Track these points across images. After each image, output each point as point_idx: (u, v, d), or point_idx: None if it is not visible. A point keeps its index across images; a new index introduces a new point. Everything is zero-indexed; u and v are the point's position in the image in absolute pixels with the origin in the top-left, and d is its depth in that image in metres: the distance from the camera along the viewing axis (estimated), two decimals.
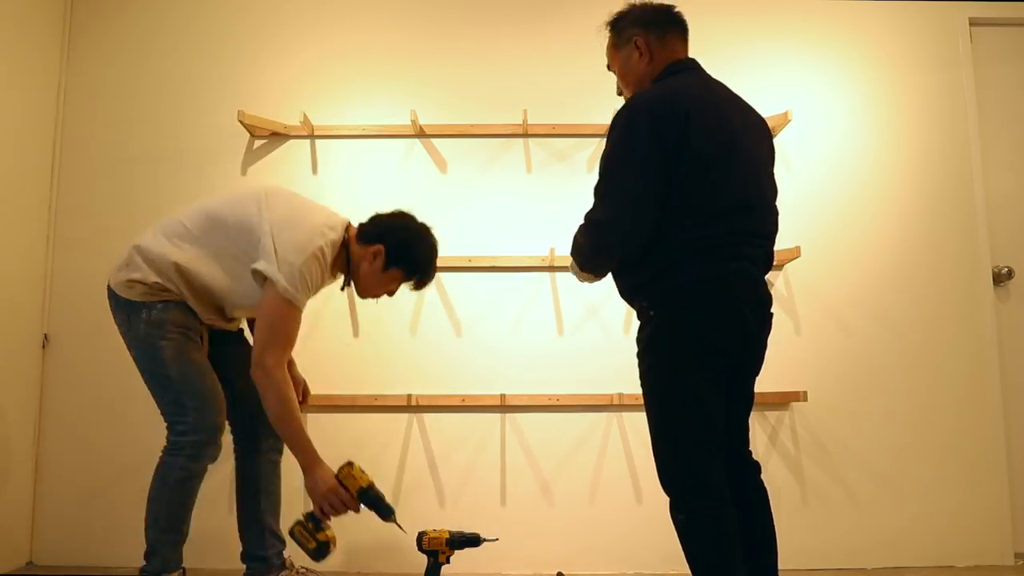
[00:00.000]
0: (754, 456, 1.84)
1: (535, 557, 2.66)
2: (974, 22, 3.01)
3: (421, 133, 2.86)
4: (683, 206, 1.58)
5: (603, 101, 2.90)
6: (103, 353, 2.77)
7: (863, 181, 2.91)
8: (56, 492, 2.71)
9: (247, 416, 2.12)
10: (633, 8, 1.81)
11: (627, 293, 1.73)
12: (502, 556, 2.64)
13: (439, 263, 2.76)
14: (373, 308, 2.79)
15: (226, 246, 1.94)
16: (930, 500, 2.73)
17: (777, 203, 1.76)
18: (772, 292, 2.83)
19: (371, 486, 1.97)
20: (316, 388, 2.73)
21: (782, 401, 2.73)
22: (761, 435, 2.73)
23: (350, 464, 1.99)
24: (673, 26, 1.78)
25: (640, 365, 1.67)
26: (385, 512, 1.98)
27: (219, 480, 2.70)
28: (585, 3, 3.00)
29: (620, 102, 1.79)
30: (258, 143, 2.89)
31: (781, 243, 2.81)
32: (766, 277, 1.76)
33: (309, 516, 1.94)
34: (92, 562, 2.66)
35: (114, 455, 2.72)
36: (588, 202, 2.88)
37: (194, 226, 1.98)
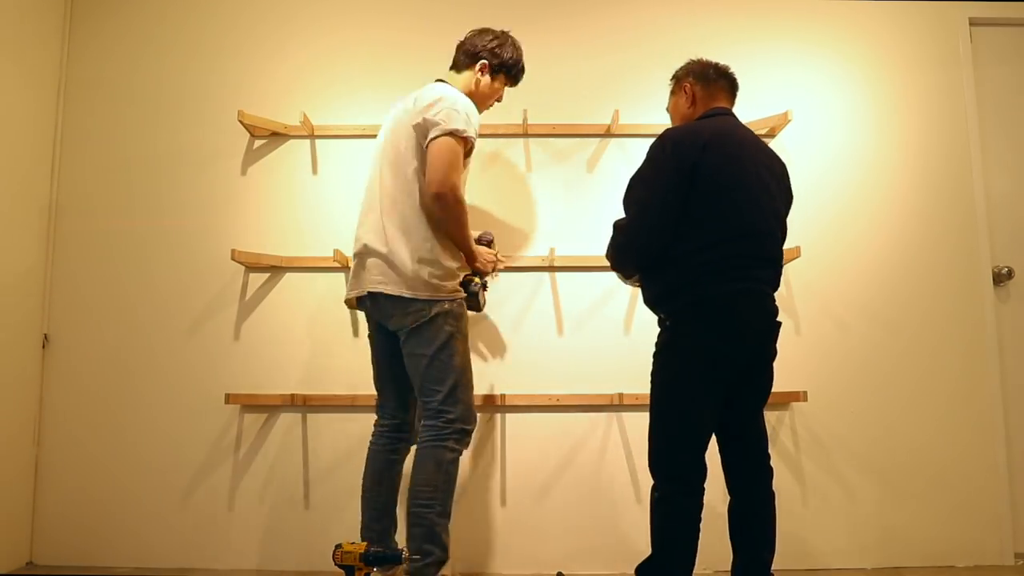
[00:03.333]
0: (771, 457, 2.04)
1: (535, 557, 2.66)
2: (974, 22, 3.02)
3: None
4: (697, 230, 1.85)
5: (603, 102, 2.91)
6: (103, 353, 2.77)
7: (863, 181, 2.91)
8: (56, 492, 2.72)
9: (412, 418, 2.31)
10: (692, 61, 2.14)
11: (650, 303, 2.01)
12: (502, 556, 2.64)
13: None
14: None
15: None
16: (930, 500, 2.74)
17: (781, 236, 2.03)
18: None
19: (368, 547, 2.04)
20: (316, 388, 2.74)
21: (782, 401, 2.73)
22: None
23: (339, 545, 2.05)
24: (721, 79, 2.09)
25: (652, 365, 1.95)
26: (394, 558, 2.05)
27: (219, 480, 2.71)
28: (585, 3, 3.00)
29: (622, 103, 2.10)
30: (258, 143, 2.89)
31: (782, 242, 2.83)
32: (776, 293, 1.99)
33: (475, 272, 2.28)
34: (92, 562, 2.66)
35: (114, 455, 2.72)
36: (588, 202, 2.90)
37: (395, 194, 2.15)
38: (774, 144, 2.92)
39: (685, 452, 1.87)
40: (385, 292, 2.08)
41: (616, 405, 2.71)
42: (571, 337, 2.79)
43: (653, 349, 1.98)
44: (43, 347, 2.78)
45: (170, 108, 2.91)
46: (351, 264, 2.23)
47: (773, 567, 1.99)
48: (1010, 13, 3.03)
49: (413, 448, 2.19)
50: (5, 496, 2.59)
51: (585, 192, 2.88)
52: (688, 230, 1.85)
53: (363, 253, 2.16)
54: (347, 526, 2.66)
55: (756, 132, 2.88)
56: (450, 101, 2.11)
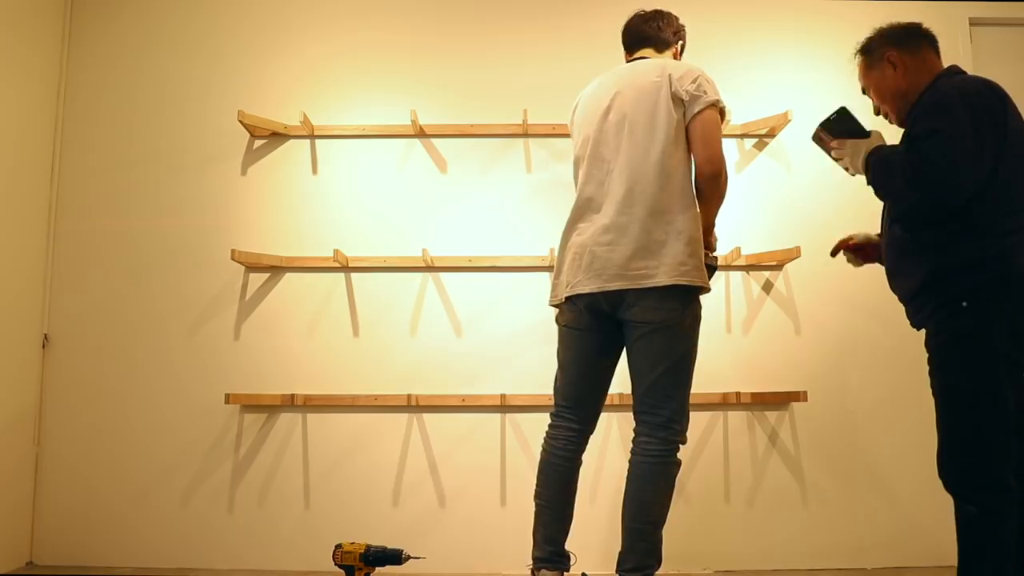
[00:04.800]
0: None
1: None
2: (974, 22, 3.01)
3: (421, 133, 2.86)
4: (1004, 193, 1.61)
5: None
6: (103, 353, 2.77)
7: (863, 181, 2.89)
8: (56, 492, 2.72)
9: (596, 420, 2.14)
10: (878, 30, 1.91)
11: (933, 278, 1.68)
12: (502, 556, 2.64)
13: (439, 263, 2.78)
14: (373, 308, 2.80)
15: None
16: (930, 500, 2.73)
17: None
18: (772, 292, 2.85)
19: (367, 548, 2.01)
20: (316, 388, 2.74)
21: (782, 401, 2.73)
22: (761, 435, 2.73)
23: (339, 545, 2.02)
24: (923, 39, 1.86)
25: (942, 356, 1.68)
26: (393, 558, 2.01)
27: (219, 480, 2.71)
28: (585, 3, 3.00)
29: None
30: (258, 143, 2.89)
31: (781, 243, 2.84)
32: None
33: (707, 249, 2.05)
34: (92, 562, 2.66)
35: (114, 455, 2.72)
36: None
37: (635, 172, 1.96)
38: (774, 144, 2.92)
39: (1006, 456, 1.60)
40: (644, 287, 1.88)
41: (616, 405, 2.71)
42: None
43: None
44: (43, 347, 2.78)
45: (170, 108, 2.91)
46: (566, 259, 2.04)
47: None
48: (1010, 13, 3.03)
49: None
50: (5, 496, 2.59)
51: None
52: (991, 193, 1.60)
53: (601, 244, 1.95)
54: (347, 526, 2.66)
55: (756, 132, 2.91)
56: (700, 72, 1.99)
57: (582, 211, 2.05)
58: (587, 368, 2.04)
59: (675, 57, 2.19)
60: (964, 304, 1.62)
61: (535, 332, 2.79)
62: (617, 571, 1.93)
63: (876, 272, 2.88)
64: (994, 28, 3.04)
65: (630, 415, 2.75)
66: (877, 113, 1.96)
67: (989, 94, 1.66)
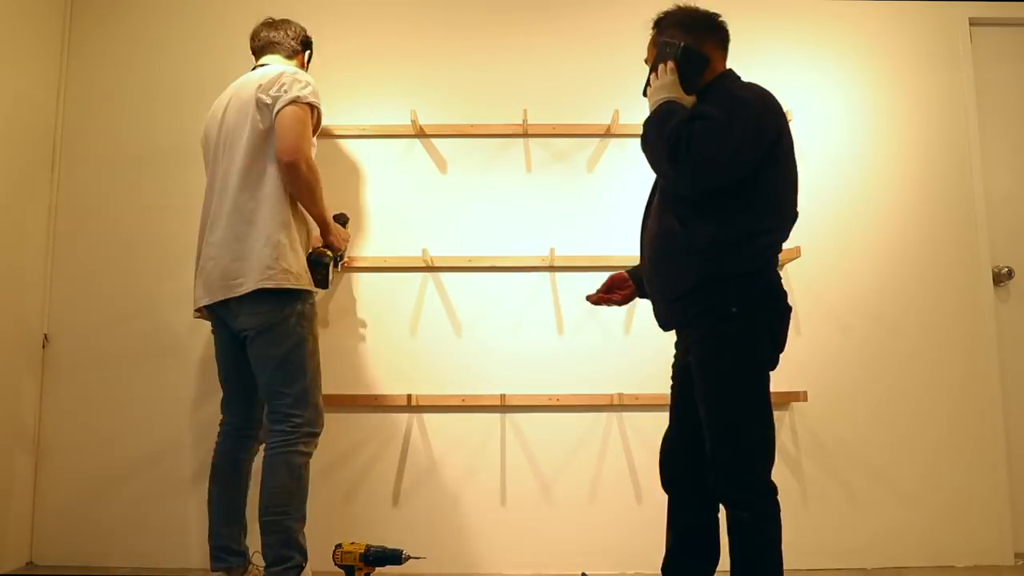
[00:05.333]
0: None
1: (535, 557, 2.66)
2: (974, 22, 3.01)
3: (421, 133, 2.86)
4: (770, 207, 1.69)
5: (603, 102, 2.91)
6: (103, 353, 2.77)
7: (863, 181, 2.91)
8: (56, 492, 2.71)
9: (260, 415, 2.25)
10: (680, 9, 1.89)
11: (706, 282, 1.68)
12: (502, 556, 2.64)
13: (439, 263, 2.78)
14: (373, 308, 2.80)
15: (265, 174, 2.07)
16: (930, 500, 2.73)
17: None
18: None
19: (367, 548, 2.04)
20: None
21: (782, 401, 2.73)
22: None
23: (339, 545, 2.06)
24: (713, 32, 1.86)
25: (711, 361, 1.69)
26: (394, 558, 2.03)
27: None
28: (586, 4, 3.00)
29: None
30: None
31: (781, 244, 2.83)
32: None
33: (326, 247, 2.21)
34: (92, 562, 2.66)
35: (114, 455, 2.72)
36: (588, 202, 2.90)
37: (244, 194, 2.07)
38: None
39: (771, 459, 1.66)
40: (235, 296, 2.02)
41: (616, 405, 2.71)
42: (571, 337, 2.78)
43: (670, 348, 1.89)
44: (43, 347, 2.78)
45: (170, 108, 2.91)
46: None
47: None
48: (1010, 13, 3.03)
49: (262, 448, 2.15)
50: (5, 496, 2.59)
51: (585, 192, 2.88)
52: (762, 204, 1.67)
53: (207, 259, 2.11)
54: (347, 526, 2.66)
55: None
56: (291, 73, 2.12)
57: (203, 228, 2.17)
58: (231, 369, 2.20)
59: (301, 65, 2.34)
60: (734, 310, 1.65)
61: (535, 332, 2.79)
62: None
63: (876, 273, 2.88)
64: (994, 28, 3.04)
65: (629, 415, 2.77)
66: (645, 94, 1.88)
67: (769, 104, 1.70)
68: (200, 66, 2.93)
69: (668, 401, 2.71)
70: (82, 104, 2.92)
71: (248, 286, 1.98)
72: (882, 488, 2.73)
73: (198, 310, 2.22)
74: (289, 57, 2.32)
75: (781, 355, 1.76)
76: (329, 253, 2.21)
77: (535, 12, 2.98)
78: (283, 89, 2.05)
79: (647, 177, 2.89)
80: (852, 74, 2.97)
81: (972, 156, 2.92)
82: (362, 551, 2.00)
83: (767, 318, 1.68)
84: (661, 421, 2.73)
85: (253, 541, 2.16)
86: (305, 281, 2.05)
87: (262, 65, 2.25)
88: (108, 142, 2.89)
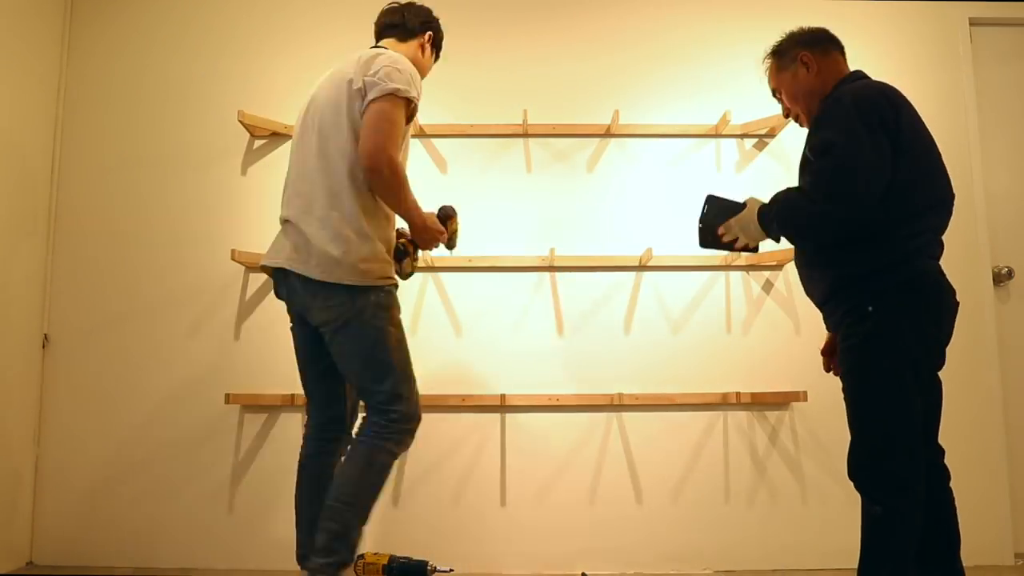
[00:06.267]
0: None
1: (535, 557, 2.66)
2: (974, 22, 3.01)
3: (421, 133, 2.86)
4: (902, 198, 1.64)
5: (603, 102, 2.91)
6: (103, 353, 2.77)
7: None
8: (56, 492, 2.71)
9: (345, 410, 2.09)
10: (791, 33, 1.97)
11: (839, 285, 1.71)
12: (502, 556, 2.64)
13: (440, 263, 2.78)
14: None
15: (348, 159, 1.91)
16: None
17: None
18: (772, 292, 2.85)
19: (391, 559, 1.97)
20: None
21: (782, 401, 2.73)
22: (761, 435, 2.73)
23: (362, 556, 1.98)
24: (833, 44, 1.91)
25: (851, 359, 1.70)
26: (419, 570, 1.98)
27: (219, 480, 2.71)
28: (585, 3, 3.00)
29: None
30: (258, 143, 2.89)
31: (781, 243, 2.83)
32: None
33: (410, 240, 2.07)
34: (92, 562, 2.66)
35: (114, 455, 2.72)
36: (588, 202, 2.90)
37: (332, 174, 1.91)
38: (774, 144, 2.92)
39: (910, 458, 1.65)
40: (298, 272, 1.86)
41: (616, 405, 2.71)
42: (571, 337, 2.78)
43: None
44: (43, 347, 2.78)
45: (170, 108, 2.91)
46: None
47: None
48: (1010, 13, 3.03)
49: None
50: (5, 496, 2.59)
51: (585, 192, 2.88)
52: (889, 199, 1.63)
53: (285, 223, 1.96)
54: None
55: (756, 132, 2.91)
56: (390, 58, 1.92)
57: (285, 191, 2.05)
58: (307, 363, 2.05)
59: (419, 48, 2.13)
60: (870, 309, 1.65)
61: (535, 332, 2.79)
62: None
63: None
64: (994, 28, 3.04)
65: (629, 415, 2.77)
66: (787, 116, 1.97)
67: (880, 100, 1.67)
68: (200, 66, 2.93)
69: (668, 401, 2.73)
70: (82, 105, 2.92)
71: (314, 273, 1.85)
72: None
73: (263, 268, 2.04)
74: (403, 39, 2.12)
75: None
76: (410, 248, 2.10)
77: (535, 12, 2.98)
78: (378, 76, 1.87)
79: (647, 177, 2.90)
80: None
81: (972, 156, 2.92)
82: (385, 562, 1.92)
83: (910, 313, 1.65)
84: (661, 421, 2.75)
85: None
86: (376, 275, 1.89)
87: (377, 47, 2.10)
88: (108, 142, 2.89)
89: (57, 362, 2.78)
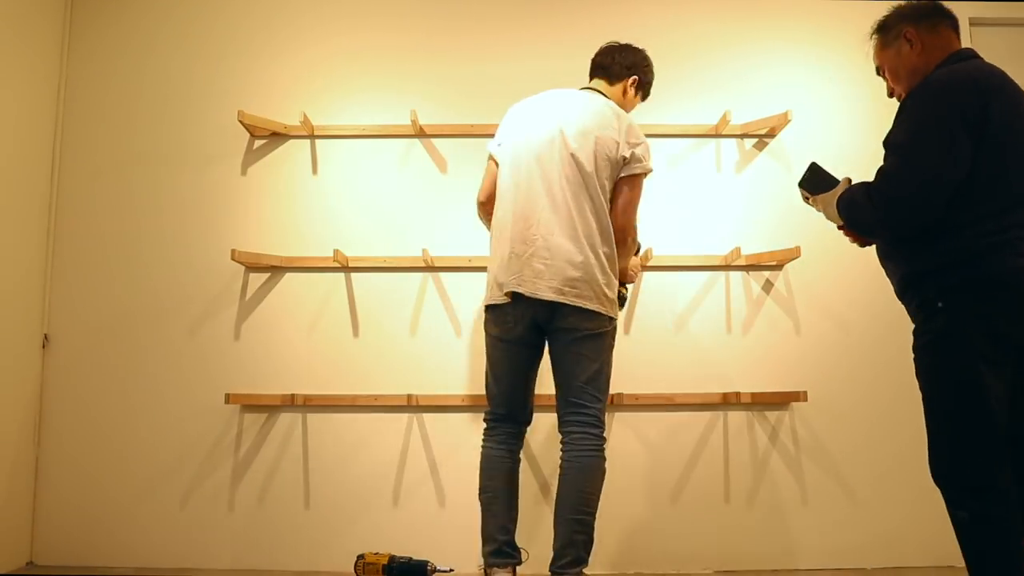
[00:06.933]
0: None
1: (535, 557, 2.65)
2: (974, 22, 3.01)
3: (421, 133, 2.86)
4: (982, 192, 1.58)
5: None
6: (103, 353, 2.77)
7: (863, 181, 2.90)
8: (56, 492, 2.71)
9: (531, 416, 2.28)
10: (896, 8, 1.83)
11: (910, 280, 1.69)
12: None
13: (439, 263, 2.78)
14: (373, 308, 2.80)
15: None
16: (930, 500, 2.69)
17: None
18: (772, 292, 2.85)
19: (391, 559, 2.02)
20: (316, 388, 2.74)
21: (782, 401, 2.73)
22: (761, 435, 2.73)
23: (361, 556, 2.04)
24: (943, 17, 1.78)
25: (922, 358, 1.68)
26: (419, 570, 2.03)
27: (219, 480, 2.71)
28: (586, 3, 3.00)
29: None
30: (258, 143, 2.89)
31: (781, 243, 2.84)
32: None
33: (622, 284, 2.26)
34: (92, 562, 2.66)
35: (114, 455, 2.72)
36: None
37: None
38: (774, 144, 2.92)
39: (986, 460, 1.56)
40: (575, 304, 1.99)
41: (616, 405, 2.71)
42: None
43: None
44: (43, 347, 2.78)
45: (170, 108, 2.91)
46: (508, 255, 2.06)
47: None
48: (1010, 13, 3.03)
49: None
50: (5, 496, 2.59)
51: None
52: (970, 193, 1.57)
53: (544, 252, 2.01)
54: (347, 526, 2.66)
55: (756, 132, 2.90)
56: (642, 136, 2.14)
57: (516, 216, 2.14)
58: (518, 364, 2.18)
59: (623, 92, 2.29)
60: (940, 305, 1.61)
61: None
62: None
63: (876, 272, 2.87)
64: (994, 28, 3.04)
65: (629, 415, 2.77)
66: (891, 95, 1.89)
67: (966, 88, 1.59)
68: (200, 66, 2.93)
69: (668, 401, 2.73)
70: (82, 104, 2.92)
71: (589, 304, 2.00)
72: (882, 488, 2.73)
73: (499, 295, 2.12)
74: (611, 82, 2.28)
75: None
76: (624, 290, 2.30)
77: (536, 11, 2.98)
78: (642, 152, 2.10)
79: (647, 177, 2.89)
80: (852, 74, 2.97)
81: None
82: (385, 562, 1.94)
83: (982, 310, 1.57)
84: (661, 421, 2.75)
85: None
86: (617, 309, 2.12)
87: (590, 88, 2.25)
88: (108, 142, 2.89)
89: (57, 362, 2.78)
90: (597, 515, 2.02)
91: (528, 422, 2.21)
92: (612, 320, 2.08)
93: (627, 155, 2.06)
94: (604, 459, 2.06)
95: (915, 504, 2.71)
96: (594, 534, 2.01)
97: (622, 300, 2.23)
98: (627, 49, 2.31)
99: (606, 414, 2.10)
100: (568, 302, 1.98)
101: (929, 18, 1.76)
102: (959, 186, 1.57)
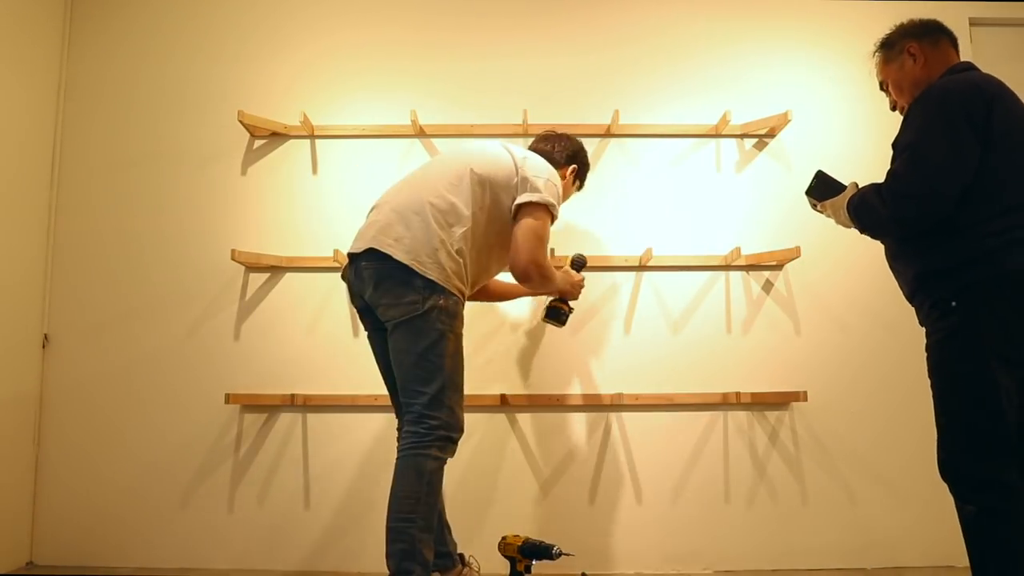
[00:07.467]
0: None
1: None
2: (974, 22, 3.01)
3: (421, 133, 2.86)
4: (995, 191, 1.60)
5: (603, 101, 2.91)
6: (103, 353, 2.77)
7: (863, 181, 2.86)
8: (56, 492, 2.71)
9: None
10: (900, 25, 1.95)
11: (922, 280, 1.70)
12: (502, 556, 2.64)
13: None
14: None
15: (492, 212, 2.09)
16: (930, 500, 2.73)
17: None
18: (772, 292, 2.85)
19: (525, 541, 2.06)
20: (316, 388, 2.74)
21: (782, 401, 2.73)
22: (761, 435, 2.73)
23: (504, 537, 2.11)
24: (942, 34, 1.90)
25: (934, 356, 1.69)
26: (546, 552, 2.04)
27: (219, 480, 2.71)
28: (586, 3, 3.00)
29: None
30: (258, 143, 2.89)
31: (781, 243, 2.84)
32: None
33: (561, 299, 2.37)
34: (92, 562, 2.66)
35: (114, 455, 2.72)
36: (588, 202, 2.90)
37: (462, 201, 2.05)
38: (774, 144, 2.92)
39: (1001, 454, 1.58)
40: (384, 252, 1.93)
41: (616, 405, 2.71)
42: (571, 337, 2.78)
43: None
44: (43, 347, 2.78)
45: (170, 108, 2.91)
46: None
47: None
48: (1010, 13, 3.03)
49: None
50: (5, 496, 2.59)
51: (585, 192, 2.87)
52: (980, 192, 1.60)
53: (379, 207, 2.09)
54: (347, 526, 2.66)
55: (756, 132, 2.91)
56: (549, 173, 2.12)
57: (388, 192, 2.24)
58: (383, 367, 2.18)
59: (570, 176, 2.34)
60: (953, 304, 1.63)
61: (534, 332, 2.79)
62: None
63: (876, 273, 2.88)
64: (994, 28, 3.04)
65: (629, 415, 2.77)
66: (893, 108, 1.95)
67: (970, 93, 1.66)
68: (200, 65, 2.93)
69: (668, 401, 2.73)
70: (82, 104, 2.92)
71: (397, 255, 1.93)
72: (882, 488, 2.73)
73: (344, 278, 2.17)
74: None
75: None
76: (564, 307, 2.37)
77: (536, 11, 2.98)
78: (537, 180, 2.06)
79: (647, 177, 2.90)
80: (852, 74, 2.97)
81: None
82: (520, 544, 2.05)
83: (997, 309, 1.59)
84: (661, 421, 2.75)
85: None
86: (454, 284, 1.98)
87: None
88: (108, 142, 2.89)
89: (57, 362, 2.78)
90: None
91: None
92: (435, 296, 1.99)
93: (515, 180, 2.08)
94: (424, 457, 1.90)
95: (915, 504, 2.71)
96: (418, 543, 1.85)
97: (557, 315, 2.34)
98: (567, 139, 2.36)
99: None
100: None
101: (931, 34, 1.88)
102: (969, 186, 1.60)
